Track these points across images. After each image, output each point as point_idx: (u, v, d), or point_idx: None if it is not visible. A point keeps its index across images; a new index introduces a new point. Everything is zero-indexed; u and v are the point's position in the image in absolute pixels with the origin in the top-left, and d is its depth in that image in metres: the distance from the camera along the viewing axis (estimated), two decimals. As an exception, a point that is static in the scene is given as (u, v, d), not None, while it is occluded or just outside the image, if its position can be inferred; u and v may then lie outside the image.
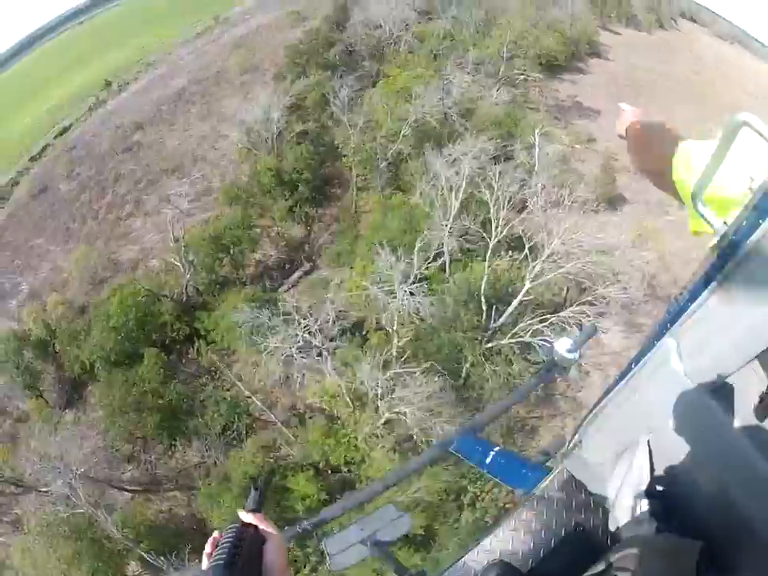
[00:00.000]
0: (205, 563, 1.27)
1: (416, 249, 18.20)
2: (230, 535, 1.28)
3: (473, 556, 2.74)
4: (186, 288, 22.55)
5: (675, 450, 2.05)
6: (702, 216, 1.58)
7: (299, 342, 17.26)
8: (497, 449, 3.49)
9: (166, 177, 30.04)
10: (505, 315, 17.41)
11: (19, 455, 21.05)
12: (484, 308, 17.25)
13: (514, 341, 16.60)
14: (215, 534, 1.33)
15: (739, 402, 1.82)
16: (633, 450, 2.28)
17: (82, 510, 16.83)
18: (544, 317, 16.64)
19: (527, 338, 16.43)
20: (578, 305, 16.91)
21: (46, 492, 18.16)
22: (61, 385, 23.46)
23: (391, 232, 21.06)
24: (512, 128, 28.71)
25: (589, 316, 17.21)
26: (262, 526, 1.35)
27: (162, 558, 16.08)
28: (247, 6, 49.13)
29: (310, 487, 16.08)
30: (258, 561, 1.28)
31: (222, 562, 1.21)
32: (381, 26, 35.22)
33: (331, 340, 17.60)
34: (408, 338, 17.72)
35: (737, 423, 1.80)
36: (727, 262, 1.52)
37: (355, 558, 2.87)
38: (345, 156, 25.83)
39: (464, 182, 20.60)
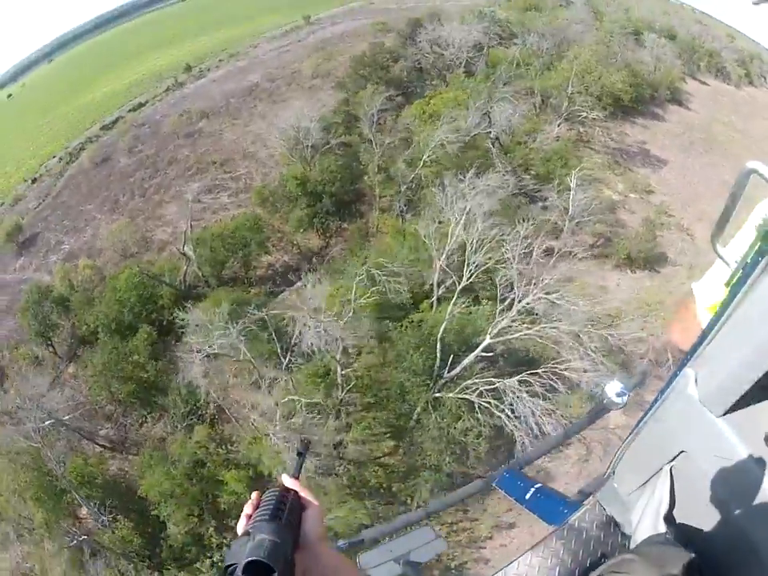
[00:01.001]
0: (242, 523, 1.30)
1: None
2: (272, 498, 1.32)
3: None
4: (185, 278, 24.24)
5: (693, 477, 2.18)
6: (720, 256, 1.86)
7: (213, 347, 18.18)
8: (537, 485, 3.61)
9: (214, 168, 32.31)
10: (459, 367, 17.39)
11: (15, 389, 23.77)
12: (438, 354, 17.40)
13: (459, 396, 16.63)
14: (254, 495, 1.36)
15: (752, 429, 1.90)
16: (656, 478, 2.41)
17: (38, 446, 18.81)
18: (489, 379, 16.41)
19: (473, 398, 16.31)
20: (529, 373, 16.41)
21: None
22: (72, 340, 26.07)
23: (396, 258, 21.38)
24: (558, 167, 28.12)
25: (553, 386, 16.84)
26: (302, 493, 1.41)
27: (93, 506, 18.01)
28: (338, 11, 51.35)
29: (237, 485, 17.13)
30: (298, 526, 1.33)
31: (266, 516, 1.25)
32: (451, 45, 35.95)
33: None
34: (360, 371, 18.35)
35: (748, 448, 1.86)
36: (736, 296, 1.76)
37: (387, 575, 2.98)
38: (367, 175, 26.64)
39: (463, 217, 20.30)
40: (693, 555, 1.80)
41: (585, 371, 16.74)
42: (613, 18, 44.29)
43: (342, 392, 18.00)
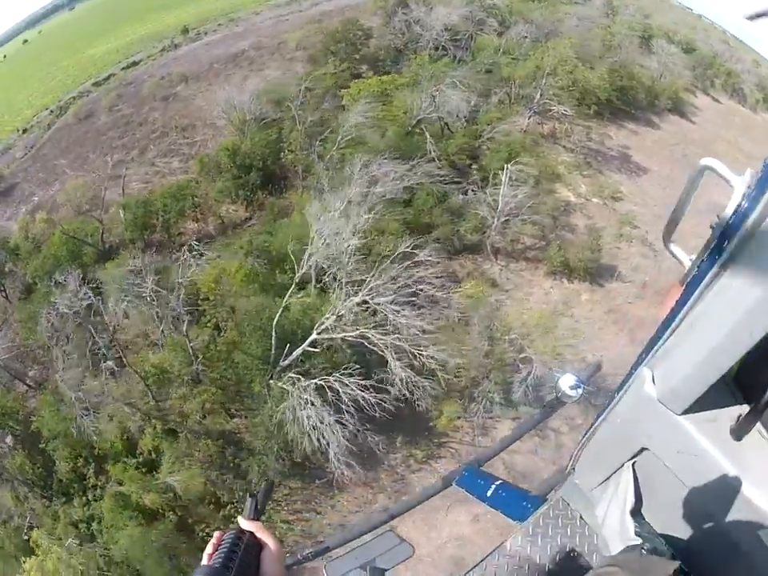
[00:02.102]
0: (205, 561, 1.43)
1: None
2: (229, 539, 1.46)
3: None
4: (103, 240, 26.25)
5: (656, 472, 2.26)
6: (672, 254, 1.91)
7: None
8: (498, 482, 3.70)
9: (175, 133, 34.04)
10: (290, 358, 18.14)
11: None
12: (273, 342, 18.23)
13: (282, 386, 17.34)
14: (216, 534, 1.51)
15: (716, 424, 1.98)
16: (619, 474, 2.48)
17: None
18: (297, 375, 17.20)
19: (290, 388, 16.93)
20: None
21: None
22: (22, 287, 28.86)
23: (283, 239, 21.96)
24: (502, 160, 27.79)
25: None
26: (259, 533, 1.52)
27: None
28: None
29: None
30: (256, 566, 1.45)
31: (218, 565, 1.38)
32: (432, 28, 35.80)
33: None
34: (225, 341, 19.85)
35: (714, 443, 1.93)
36: (692, 295, 1.81)
37: None
38: (292, 152, 27.55)
39: (344, 204, 20.48)
40: (678, 564, 1.83)
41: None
42: (624, 20, 42.54)
43: (195, 364, 19.59)
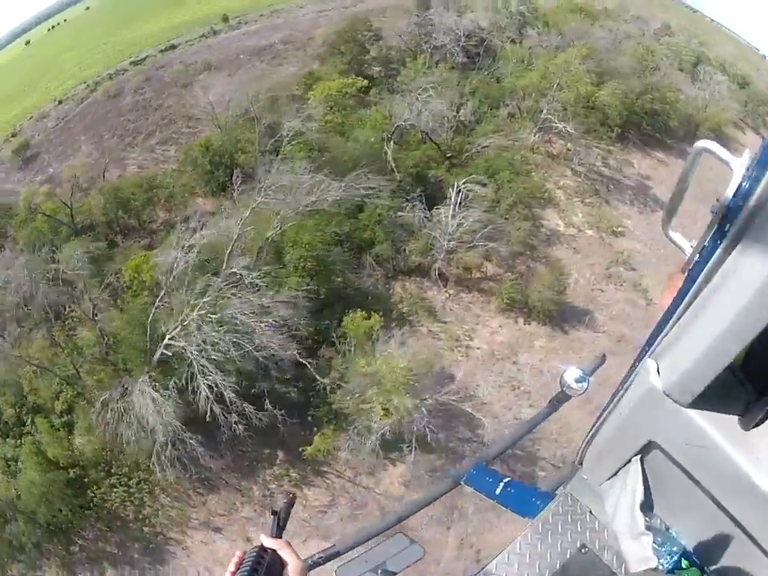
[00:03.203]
0: None
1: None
2: (251, 558, 1.54)
3: None
4: (73, 220, 28.29)
5: (665, 465, 2.34)
6: (672, 241, 1.98)
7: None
8: (506, 479, 3.75)
9: (181, 122, 35.69)
10: (156, 356, 18.97)
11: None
12: (147, 339, 19.09)
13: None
14: (238, 553, 1.59)
15: (724, 414, 2.04)
16: (627, 468, 2.55)
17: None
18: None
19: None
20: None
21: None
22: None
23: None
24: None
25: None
26: (281, 551, 1.60)
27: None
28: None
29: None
30: None
31: None
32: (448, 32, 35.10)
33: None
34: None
35: (722, 433, 1.99)
36: (695, 281, 1.85)
37: None
38: (244, 153, 28.17)
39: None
40: None
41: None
42: (672, 41, 39.55)
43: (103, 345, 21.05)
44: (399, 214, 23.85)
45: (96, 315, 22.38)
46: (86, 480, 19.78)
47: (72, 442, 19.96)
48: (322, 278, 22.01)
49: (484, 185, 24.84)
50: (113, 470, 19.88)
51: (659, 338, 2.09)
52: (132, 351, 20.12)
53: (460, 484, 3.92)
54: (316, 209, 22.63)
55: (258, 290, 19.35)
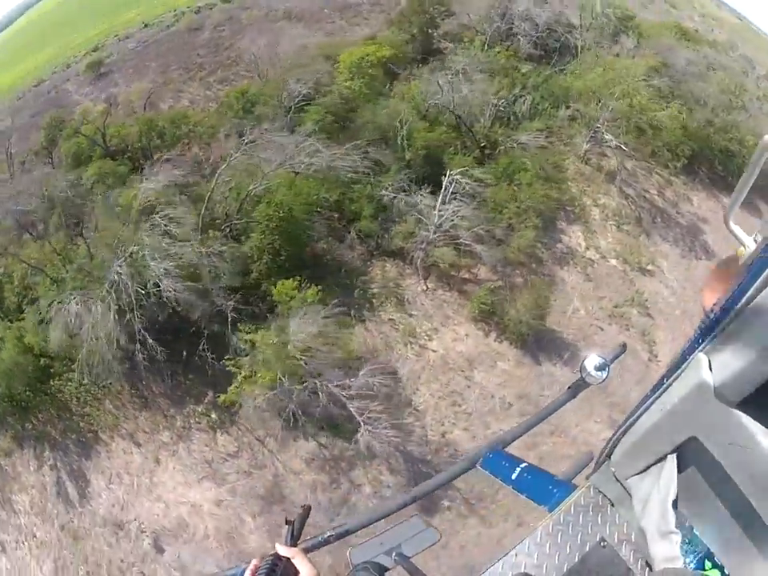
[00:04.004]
0: None
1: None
2: (266, 567, 1.64)
3: (497, 569, 2.97)
4: (106, 144, 30.05)
5: (700, 462, 2.34)
6: (733, 233, 1.95)
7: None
8: (523, 465, 3.76)
9: (243, 65, 36.56)
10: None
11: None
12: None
13: None
14: (255, 561, 1.69)
15: None
16: (661, 464, 2.55)
17: None
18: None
19: None
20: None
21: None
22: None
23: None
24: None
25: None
26: (295, 559, 1.69)
27: None
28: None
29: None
30: None
31: None
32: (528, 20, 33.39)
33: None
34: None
35: (765, 436, 1.94)
36: (758, 277, 1.75)
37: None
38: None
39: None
40: None
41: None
42: None
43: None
44: (382, 192, 23.10)
45: (83, 232, 24.51)
46: (51, 370, 22.00)
47: (47, 335, 21.44)
48: (286, 240, 21.96)
49: (481, 180, 23.36)
50: (73, 367, 21.24)
51: (714, 332, 2.01)
52: (98, 267, 21.29)
53: (475, 467, 3.90)
54: (308, 173, 22.73)
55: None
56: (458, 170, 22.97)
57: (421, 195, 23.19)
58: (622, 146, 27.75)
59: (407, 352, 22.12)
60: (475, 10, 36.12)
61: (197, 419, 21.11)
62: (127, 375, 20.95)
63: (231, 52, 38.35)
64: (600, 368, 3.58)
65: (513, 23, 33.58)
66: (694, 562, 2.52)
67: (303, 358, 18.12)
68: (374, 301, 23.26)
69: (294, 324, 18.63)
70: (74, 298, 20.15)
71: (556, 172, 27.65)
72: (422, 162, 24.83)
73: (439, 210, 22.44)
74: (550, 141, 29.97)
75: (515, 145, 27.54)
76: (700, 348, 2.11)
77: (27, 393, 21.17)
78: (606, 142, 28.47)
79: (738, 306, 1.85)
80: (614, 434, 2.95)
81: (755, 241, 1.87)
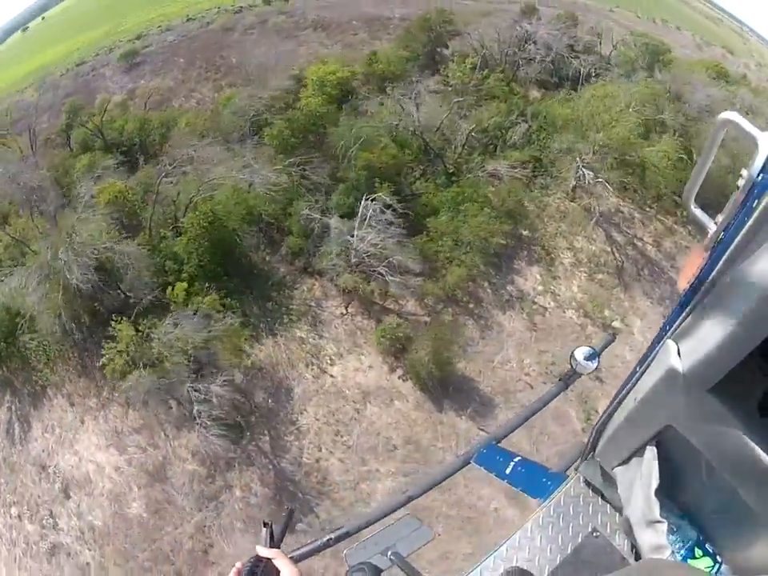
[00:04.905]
0: None
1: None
2: (247, 568, 1.76)
3: (489, 563, 3.01)
4: (103, 136, 32.72)
5: (681, 449, 2.37)
6: (695, 216, 1.89)
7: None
8: (517, 459, 3.93)
9: (247, 72, 37.91)
10: None
11: None
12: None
13: None
14: (237, 564, 1.79)
15: (743, 399, 2.01)
16: (642, 452, 2.60)
17: None
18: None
19: None
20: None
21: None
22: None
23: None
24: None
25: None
26: (276, 560, 1.79)
27: None
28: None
29: None
30: None
31: None
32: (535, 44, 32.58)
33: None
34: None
35: (741, 419, 1.98)
36: (718, 262, 1.77)
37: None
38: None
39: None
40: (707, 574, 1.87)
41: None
42: None
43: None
44: (305, 212, 23.51)
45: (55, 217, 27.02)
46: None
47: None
48: (211, 247, 23.14)
49: (390, 207, 23.11)
50: (37, 327, 23.57)
51: (680, 318, 2.06)
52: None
53: (470, 463, 4.05)
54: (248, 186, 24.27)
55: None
56: (373, 196, 22.87)
57: (337, 218, 23.23)
58: (606, 182, 26.20)
59: (306, 372, 22.33)
60: (492, 32, 35.47)
61: (117, 393, 22.60)
62: (79, 344, 23.48)
63: (251, 55, 39.93)
64: (589, 358, 3.67)
65: (524, 47, 32.77)
66: (683, 550, 2.57)
67: (167, 354, 19.87)
68: (291, 316, 23.69)
69: (169, 323, 20.40)
70: (29, 273, 22.77)
71: (518, 207, 26.61)
72: (366, 184, 24.88)
73: (357, 236, 22.49)
74: (534, 173, 28.95)
75: (480, 174, 26.90)
76: (668, 335, 2.13)
77: (2, 344, 23.47)
78: (586, 178, 27.04)
79: (703, 290, 1.88)
80: (596, 423, 2.98)
81: (716, 224, 1.81)
